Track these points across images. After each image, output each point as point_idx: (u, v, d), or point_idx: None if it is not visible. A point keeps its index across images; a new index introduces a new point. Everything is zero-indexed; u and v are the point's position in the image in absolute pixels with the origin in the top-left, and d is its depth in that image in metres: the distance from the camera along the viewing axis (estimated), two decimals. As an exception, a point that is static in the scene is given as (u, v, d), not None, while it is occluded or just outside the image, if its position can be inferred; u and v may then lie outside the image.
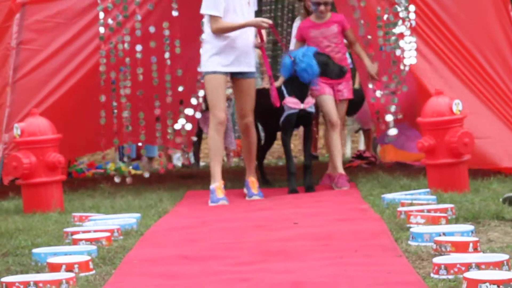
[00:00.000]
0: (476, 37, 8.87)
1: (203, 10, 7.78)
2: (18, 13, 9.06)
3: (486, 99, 8.74)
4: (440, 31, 8.85)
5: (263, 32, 8.00)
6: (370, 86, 9.33)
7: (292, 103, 7.99)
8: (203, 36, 8.07)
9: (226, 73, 7.98)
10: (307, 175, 8.38)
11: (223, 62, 7.80)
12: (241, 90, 7.99)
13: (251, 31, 8.11)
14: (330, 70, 7.90)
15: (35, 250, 5.58)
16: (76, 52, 8.99)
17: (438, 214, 6.22)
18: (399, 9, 8.78)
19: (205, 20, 8.05)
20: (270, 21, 7.94)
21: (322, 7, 8.21)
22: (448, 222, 6.07)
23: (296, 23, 11.38)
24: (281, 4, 14.98)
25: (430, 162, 7.85)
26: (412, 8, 8.74)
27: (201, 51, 8.10)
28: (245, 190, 8.28)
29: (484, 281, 4.10)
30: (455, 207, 6.49)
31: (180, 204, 7.68)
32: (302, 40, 8.59)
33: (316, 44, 8.41)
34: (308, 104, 8.10)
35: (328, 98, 8.28)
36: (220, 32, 7.80)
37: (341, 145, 8.80)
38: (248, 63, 8.01)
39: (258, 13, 13.09)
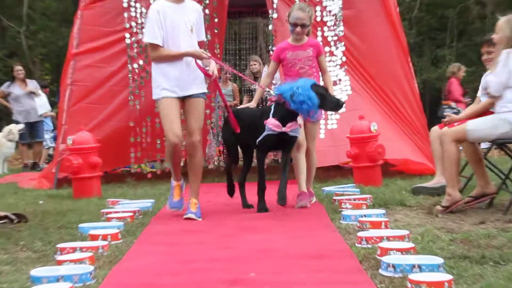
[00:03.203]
0: (387, 79, 8.87)
1: (143, 39, 6.10)
2: (72, 60, 9.01)
3: (392, 121, 8.76)
4: (363, 77, 8.88)
5: (214, 65, 5.89)
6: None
7: (273, 125, 5.88)
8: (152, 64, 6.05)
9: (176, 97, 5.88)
10: (281, 187, 6.06)
11: (172, 88, 5.81)
12: (188, 109, 5.93)
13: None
14: (327, 102, 5.91)
15: (80, 225, 5.57)
16: (111, 87, 8.92)
17: (360, 201, 6.18)
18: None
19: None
20: (207, 54, 5.89)
21: (298, 29, 6.21)
22: (368, 207, 6.06)
23: (265, 72, 11.12)
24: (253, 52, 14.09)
25: (355, 165, 7.83)
26: (344, 58, 8.79)
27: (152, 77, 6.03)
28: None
29: (392, 249, 4.14)
30: (372, 196, 6.48)
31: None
32: (279, 61, 6.45)
33: (291, 65, 6.36)
34: (290, 128, 5.93)
35: None
36: (159, 60, 5.83)
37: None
38: (196, 84, 5.92)
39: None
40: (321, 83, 6.42)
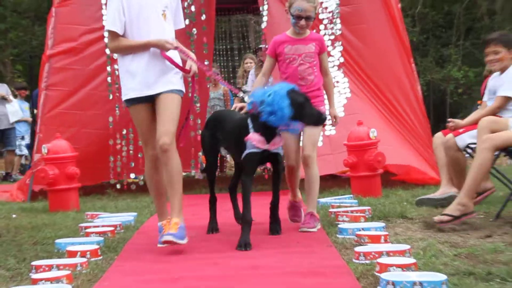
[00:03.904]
0: (387, 81, 8.90)
1: (106, 27, 5.15)
2: (47, 62, 9.00)
3: (393, 126, 8.78)
4: (362, 79, 8.90)
5: (190, 62, 5.14)
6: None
7: (256, 141, 5.14)
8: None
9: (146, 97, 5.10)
10: (274, 216, 5.59)
11: (137, 86, 5.06)
12: (157, 108, 5.08)
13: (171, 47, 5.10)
14: (305, 114, 5.11)
15: (57, 241, 5.56)
16: (90, 91, 8.88)
17: (358, 214, 6.19)
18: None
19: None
20: (175, 43, 5.03)
21: (302, 22, 5.53)
22: (366, 220, 6.07)
23: (251, 75, 11.10)
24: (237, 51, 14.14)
25: (353, 174, 7.86)
26: (342, 59, 8.80)
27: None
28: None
29: (392, 265, 4.15)
30: (371, 208, 6.48)
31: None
32: (275, 56, 5.76)
33: (289, 61, 5.67)
34: (275, 145, 5.23)
35: (289, 136, 5.60)
36: (118, 52, 5.16)
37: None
38: (166, 81, 5.08)
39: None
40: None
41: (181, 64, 5.19)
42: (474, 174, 5.73)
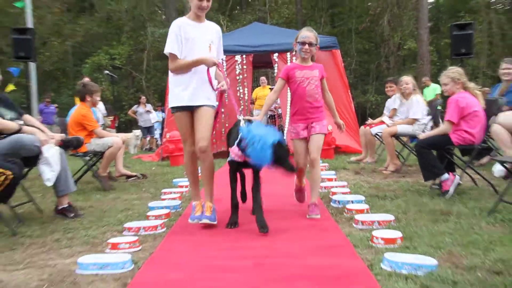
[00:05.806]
0: (337, 102, 8.65)
1: (165, 50, 3.49)
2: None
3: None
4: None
5: (223, 83, 3.58)
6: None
7: (235, 154, 3.24)
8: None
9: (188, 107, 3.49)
10: (258, 215, 3.20)
11: (181, 97, 3.47)
12: (196, 118, 3.50)
13: (206, 69, 3.49)
14: (283, 166, 3.06)
15: (174, 180, 5.61)
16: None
17: (321, 167, 6.16)
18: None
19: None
20: (217, 61, 3.46)
21: (306, 46, 3.67)
22: (325, 170, 6.03)
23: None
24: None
25: (319, 148, 7.79)
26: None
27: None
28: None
29: (338, 192, 4.17)
30: (328, 164, 6.44)
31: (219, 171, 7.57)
32: (287, 78, 3.78)
33: (299, 82, 3.73)
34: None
35: (299, 144, 3.78)
36: (176, 70, 3.48)
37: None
38: (205, 97, 3.48)
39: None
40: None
41: (213, 82, 3.59)
42: (388, 149, 5.82)
